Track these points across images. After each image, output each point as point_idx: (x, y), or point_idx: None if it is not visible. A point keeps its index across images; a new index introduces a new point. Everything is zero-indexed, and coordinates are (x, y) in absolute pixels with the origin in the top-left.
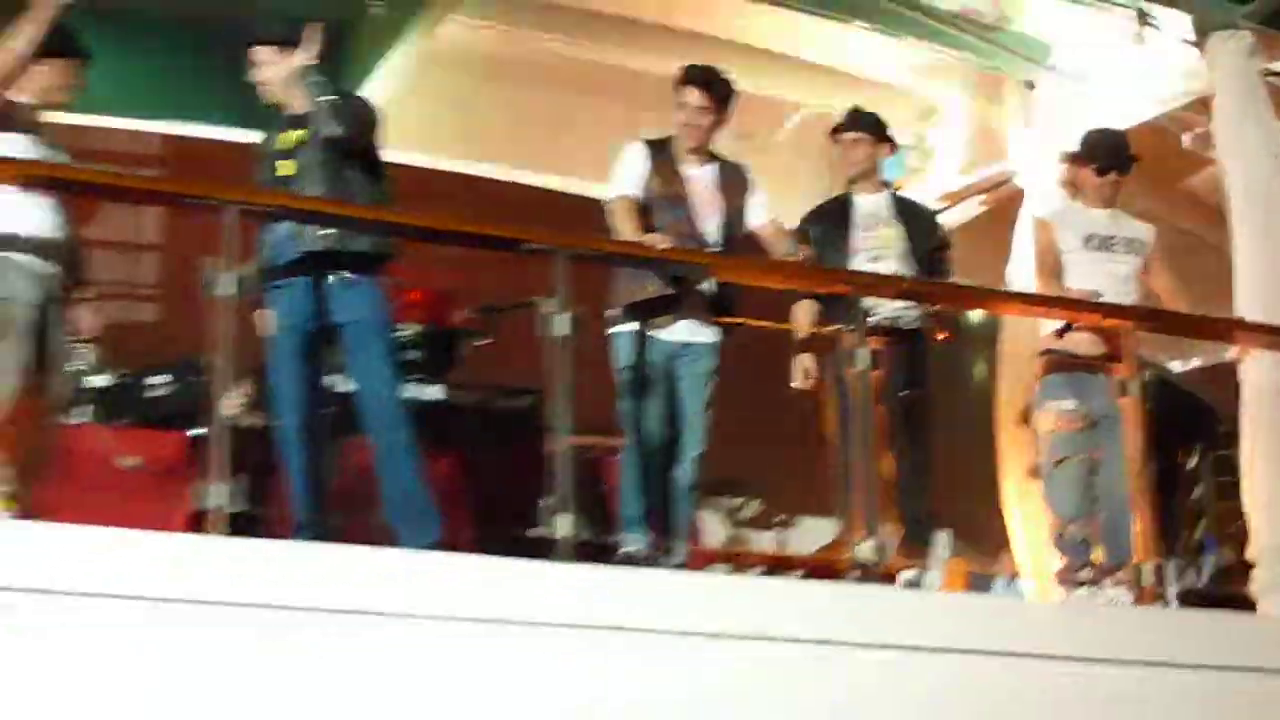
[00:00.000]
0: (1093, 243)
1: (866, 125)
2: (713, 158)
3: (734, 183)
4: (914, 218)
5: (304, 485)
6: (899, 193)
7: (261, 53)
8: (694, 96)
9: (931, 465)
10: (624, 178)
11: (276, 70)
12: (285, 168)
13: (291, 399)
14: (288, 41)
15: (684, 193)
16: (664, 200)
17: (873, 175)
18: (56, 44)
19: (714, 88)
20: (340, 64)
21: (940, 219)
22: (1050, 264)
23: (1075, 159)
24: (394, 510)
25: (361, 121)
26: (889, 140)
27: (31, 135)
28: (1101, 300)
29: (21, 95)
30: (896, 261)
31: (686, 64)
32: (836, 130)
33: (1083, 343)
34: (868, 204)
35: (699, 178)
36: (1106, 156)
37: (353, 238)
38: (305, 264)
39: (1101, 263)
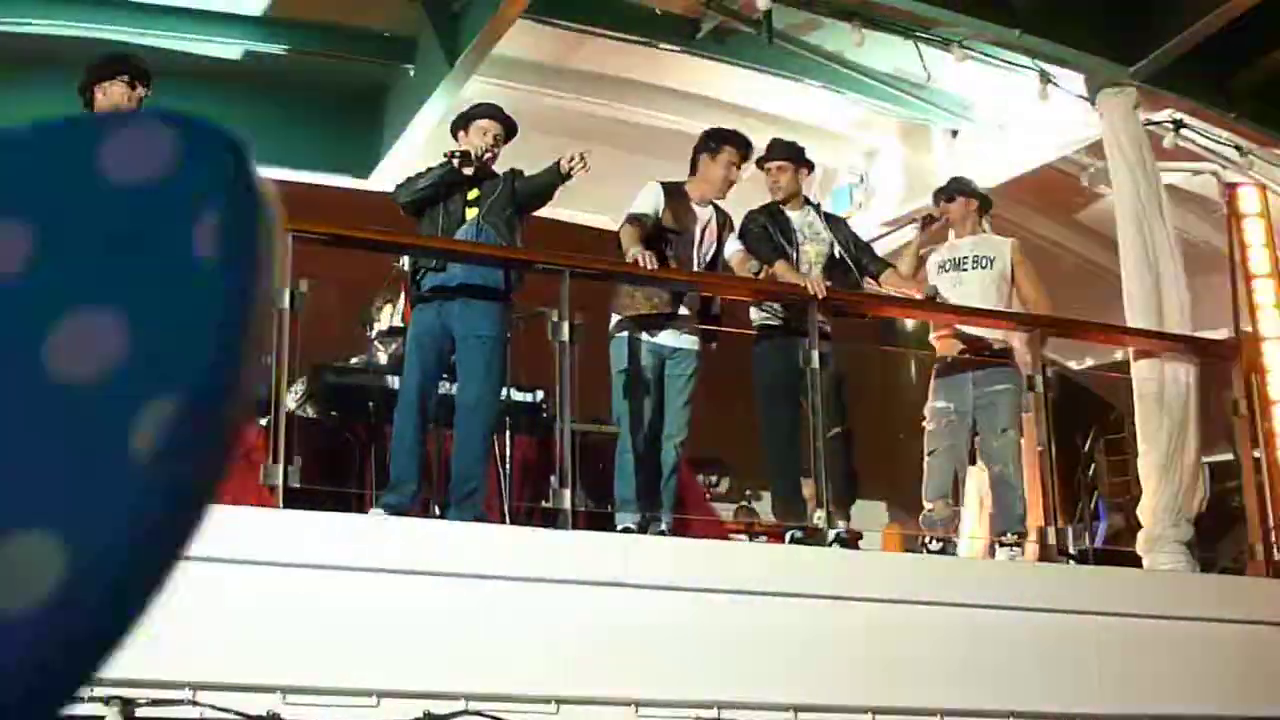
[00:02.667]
0: (945, 266)
1: (787, 153)
2: (709, 202)
3: (723, 224)
4: (837, 226)
5: (411, 466)
6: (824, 209)
7: (480, 123)
8: (732, 156)
9: (852, 442)
10: (640, 204)
11: (484, 139)
12: (471, 212)
13: (417, 396)
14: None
15: (691, 228)
16: (675, 232)
17: (798, 195)
18: (121, 68)
19: (746, 151)
20: (380, 117)
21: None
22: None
23: (936, 200)
24: (456, 486)
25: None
26: (808, 164)
27: None
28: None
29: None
30: (822, 272)
31: (722, 128)
32: (762, 160)
33: (946, 348)
34: (798, 219)
35: (702, 217)
36: (948, 191)
37: (489, 272)
38: (448, 289)
39: (953, 281)
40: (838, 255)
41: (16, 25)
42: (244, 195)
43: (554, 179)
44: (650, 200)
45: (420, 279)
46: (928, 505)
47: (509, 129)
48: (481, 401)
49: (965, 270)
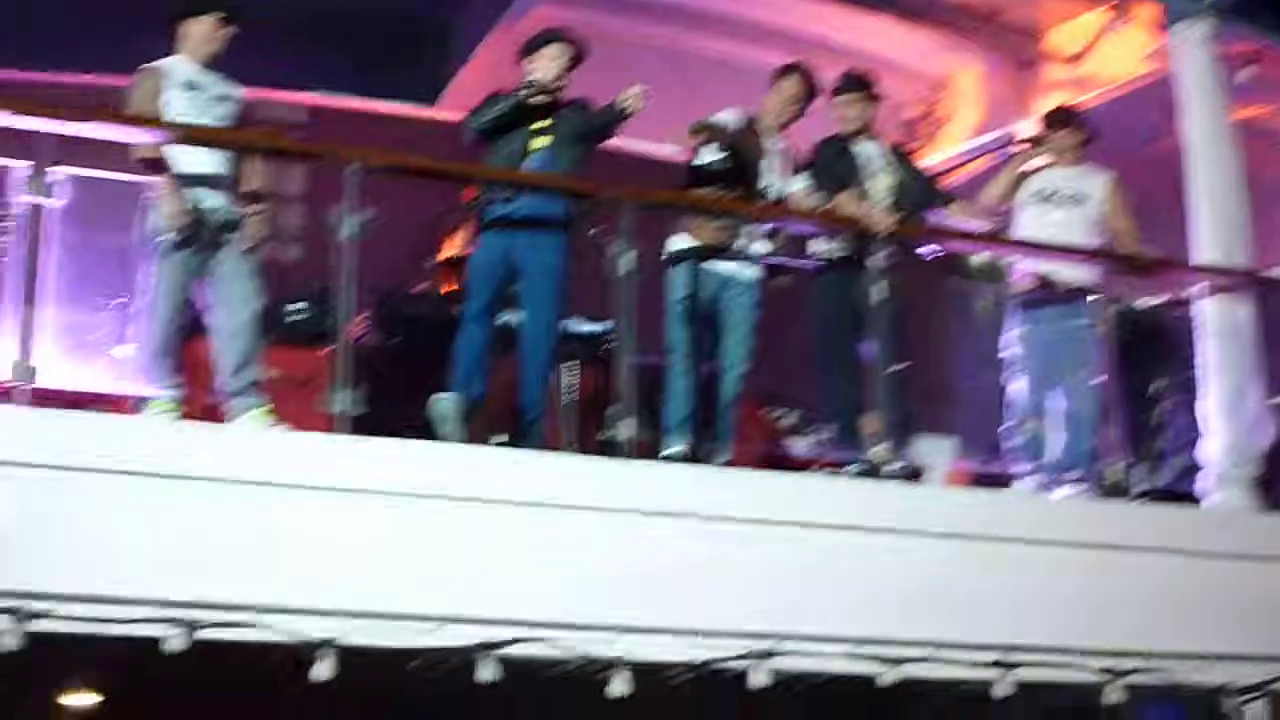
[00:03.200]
0: (1037, 197)
1: (856, 86)
2: (779, 137)
3: (789, 159)
4: (903, 162)
5: (477, 374)
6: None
7: (549, 50)
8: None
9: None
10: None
11: (553, 66)
12: (540, 142)
13: (480, 321)
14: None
15: (760, 161)
16: (749, 159)
17: (867, 128)
18: (203, 5)
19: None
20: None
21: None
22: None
23: (1041, 127)
24: (524, 415)
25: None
26: (877, 96)
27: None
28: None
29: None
30: (889, 205)
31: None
32: (835, 93)
33: (1030, 278)
34: (865, 152)
35: (774, 151)
36: (1053, 119)
37: (554, 203)
38: (511, 220)
39: (1041, 213)
40: (903, 188)
41: None
42: None
43: (613, 117)
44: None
45: (485, 208)
46: (1009, 433)
47: (578, 55)
48: (547, 331)
49: (1056, 205)
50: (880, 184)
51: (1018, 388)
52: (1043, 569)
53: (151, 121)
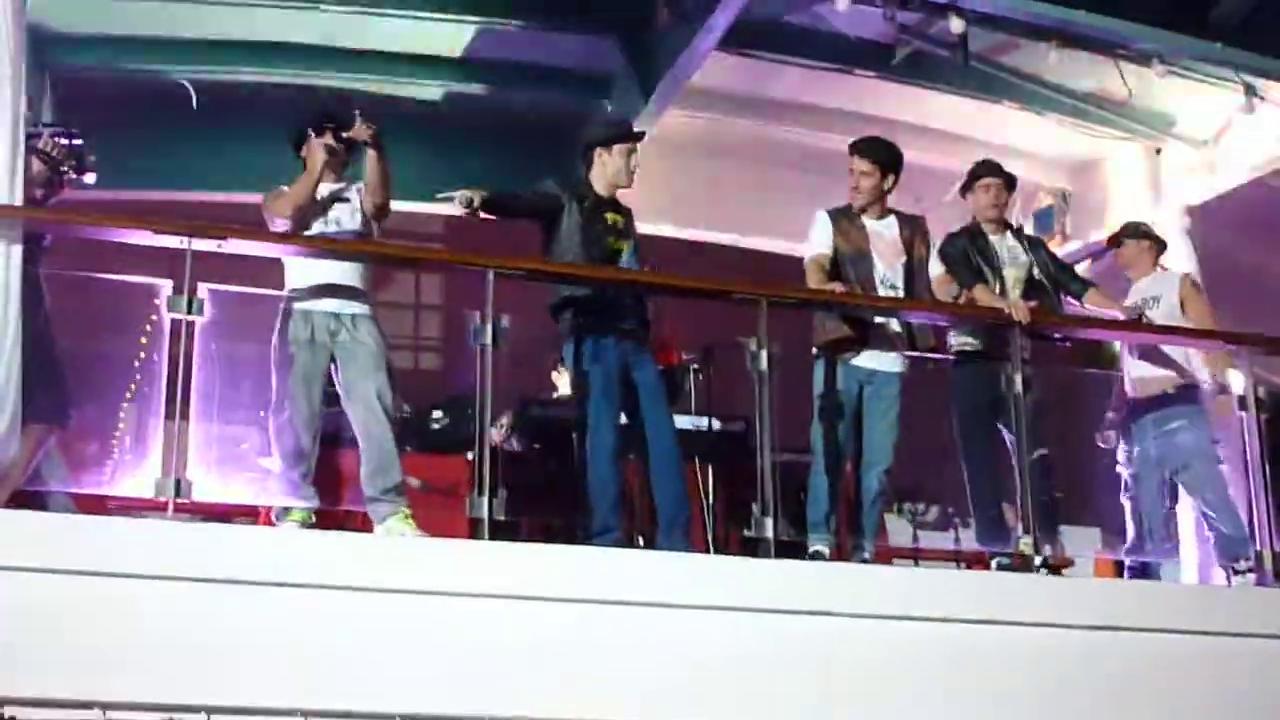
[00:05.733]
0: (1131, 313)
1: (991, 172)
2: (890, 213)
3: (913, 233)
4: (1036, 249)
5: (610, 500)
6: (1020, 230)
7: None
8: (858, 163)
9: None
10: (812, 242)
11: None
12: (619, 244)
13: (606, 431)
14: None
15: (866, 247)
16: (849, 255)
17: (1000, 217)
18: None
19: (875, 154)
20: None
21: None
22: None
23: (1107, 246)
24: (664, 517)
25: None
26: (1012, 184)
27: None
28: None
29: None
30: (1021, 295)
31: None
32: (968, 181)
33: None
34: (998, 242)
35: (879, 231)
36: (1118, 236)
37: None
38: (617, 325)
39: None
40: (1036, 277)
41: (230, 74)
42: None
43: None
44: (820, 234)
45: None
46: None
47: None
48: (671, 437)
49: (1148, 311)
50: (1011, 274)
51: (1136, 494)
52: (1198, 660)
53: (283, 237)
